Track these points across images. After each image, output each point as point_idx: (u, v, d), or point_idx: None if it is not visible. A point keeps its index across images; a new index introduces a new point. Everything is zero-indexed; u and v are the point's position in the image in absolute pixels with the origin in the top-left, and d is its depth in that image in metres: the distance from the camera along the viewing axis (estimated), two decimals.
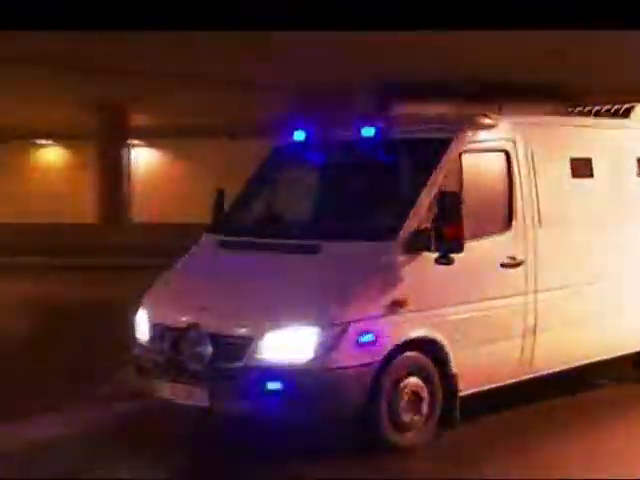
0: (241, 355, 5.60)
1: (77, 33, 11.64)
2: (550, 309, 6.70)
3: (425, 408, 5.85)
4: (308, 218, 7.07)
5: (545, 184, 6.78)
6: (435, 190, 5.95)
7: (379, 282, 5.80)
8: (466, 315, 6.13)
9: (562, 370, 7.07)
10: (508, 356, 6.51)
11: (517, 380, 6.69)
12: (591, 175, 7.19)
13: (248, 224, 7.04)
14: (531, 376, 6.82)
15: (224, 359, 5.68)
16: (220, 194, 7.09)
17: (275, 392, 5.46)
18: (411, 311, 5.78)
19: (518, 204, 6.53)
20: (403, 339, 5.74)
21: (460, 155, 6.25)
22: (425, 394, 5.86)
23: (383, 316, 5.66)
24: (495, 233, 6.42)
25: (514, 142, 6.63)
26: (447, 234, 5.71)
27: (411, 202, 5.97)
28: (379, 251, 5.86)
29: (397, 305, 5.72)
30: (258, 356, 5.58)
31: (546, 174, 6.80)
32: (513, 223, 6.51)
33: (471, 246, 5.98)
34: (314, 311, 5.63)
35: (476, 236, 6.15)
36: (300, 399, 5.48)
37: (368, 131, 6.53)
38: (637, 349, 7.60)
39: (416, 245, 5.83)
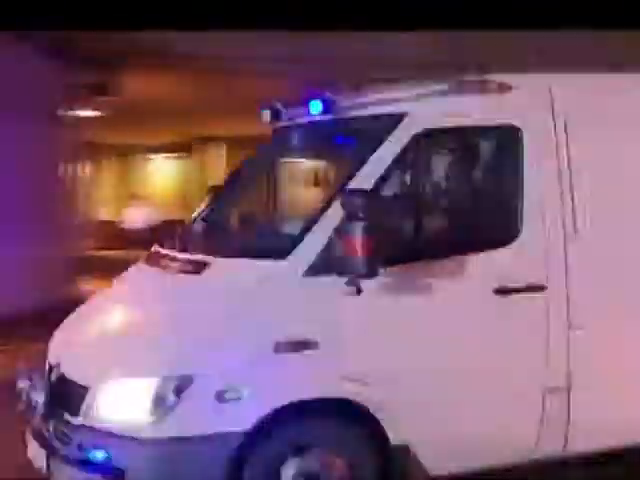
0: (78, 409, 3.98)
1: None
2: (590, 355, 4.55)
3: None
4: (210, 225, 5.25)
5: (589, 176, 4.59)
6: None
7: (259, 316, 3.95)
8: (423, 366, 4.18)
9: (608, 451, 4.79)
10: (520, 426, 4.46)
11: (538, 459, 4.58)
12: None
13: (181, 232, 5.43)
14: (562, 455, 4.68)
15: (65, 411, 4.08)
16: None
17: (101, 465, 3.80)
18: (314, 357, 3.93)
19: (532, 205, 4.46)
20: (294, 398, 3.89)
21: (418, 138, 4.31)
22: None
23: (263, 364, 3.86)
24: (487, 248, 4.39)
25: (527, 114, 4.54)
26: (347, 251, 3.85)
27: (325, 207, 4.20)
28: (269, 273, 4.05)
29: (289, 349, 3.89)
30: (93, 413, 3.94)
31: (590, 161, 4.64)
32: (522, 233, 4.44)
33: (435, 266, 4.22)
34: (155, 356, 3.93)
35: (451, 252, 4.31)
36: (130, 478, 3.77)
37: (315, 106, 4.65)
38: None
39: (324, 267, 3.99)
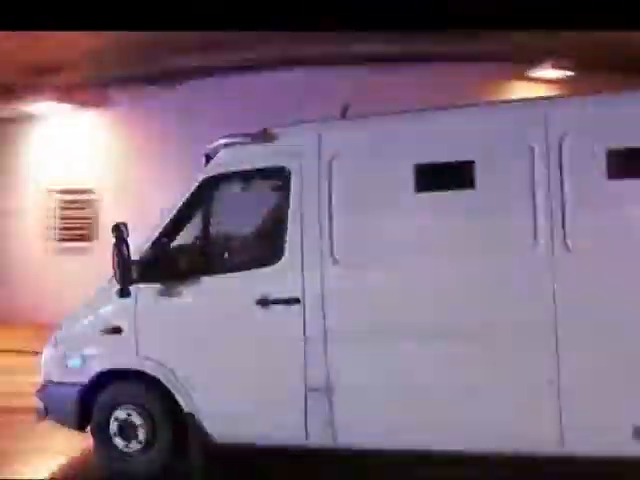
0: None
1: None
2: (349, 361, 5.32)
3: (142, 438, 5.80)
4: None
5: (350, 207, 5.36)
6: (167, 221, 5.70)
7: (95, 312, 5.94)
8: (203, 352, 5.60)
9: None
10: (288, 416, 5.44)
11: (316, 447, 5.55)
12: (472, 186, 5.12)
13: None
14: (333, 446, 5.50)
15: None
16: None
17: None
18: (121, 339, 5.76)
19: (294, 233, 5.38)
20: (109, 366, 5.86)
21: (208, 181, 5.70)
22: (139, 425, 5.80)
23: (94, 342, 5.89)
24: (255, 267, 5.55)
25: (296, 157, 5.45)
26: (113, 269, 5.58)
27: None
28: (105, 287, 5.90)
29: (107, 332, 5.81)
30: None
31: (352, 194, 5.35)
32: (285, 255, 5.40)
33: (207, 280, 5.61)
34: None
35: (225, 271, 5.68)
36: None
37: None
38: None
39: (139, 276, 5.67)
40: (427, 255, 5.12)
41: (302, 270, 5.34)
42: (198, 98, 12.11)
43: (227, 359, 5.51)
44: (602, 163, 4.84)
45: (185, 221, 5.74)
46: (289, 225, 5.40)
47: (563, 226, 4.85)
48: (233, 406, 5.53)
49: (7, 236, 13.87)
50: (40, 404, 6.02)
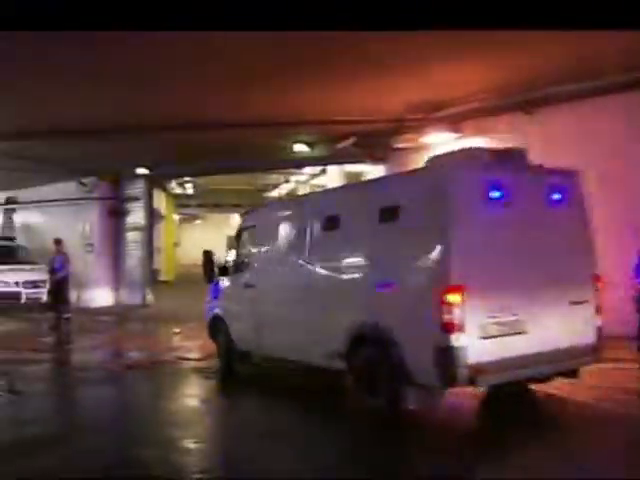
0: None
1: None
2: None
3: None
4: None
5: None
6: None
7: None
8: (232, 305, 11.89)
9: None
10: (254, 335, 11.07)
11: None
12: None
13: None
14: None
15: None
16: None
17: None
18: (219, 302, 12.27)
19: (254, 256, 11.45)
20: (215, 312, 12.49)
21: None
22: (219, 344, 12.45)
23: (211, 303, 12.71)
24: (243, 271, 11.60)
25: None
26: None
27: None
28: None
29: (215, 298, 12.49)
30: None
31: None
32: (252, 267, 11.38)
33: (234, 276, 11.92)
34: None
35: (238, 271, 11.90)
36: None
37: None
38: None
39: None
40: (288, 261, 10.18)
41: (256, 273, 11.01)
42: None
43: (236, 308, 11.57)
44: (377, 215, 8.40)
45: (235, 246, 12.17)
46: (253, 250, 11.35)
47: (310, 246, 9.70)
48: (239, 330, 11.44)
49: None
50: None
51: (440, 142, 14.62)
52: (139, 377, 12.23)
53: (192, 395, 10.88)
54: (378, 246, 8.34)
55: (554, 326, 7.80)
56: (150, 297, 23.60)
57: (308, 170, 26.07)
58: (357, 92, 12.68)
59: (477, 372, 7.21)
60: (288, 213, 10.48)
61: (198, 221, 56.93)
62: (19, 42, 8.72)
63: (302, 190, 28.91)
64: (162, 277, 32.03)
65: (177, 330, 17.44)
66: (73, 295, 19.40)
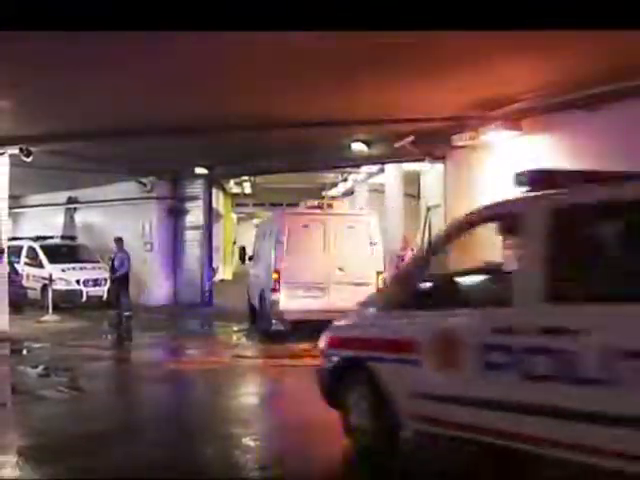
0: None
1: None
2: None
3: None
4: None
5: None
6: None
7: None
8: None
9: None
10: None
11: None
12: None
13: None
14: None
15: None
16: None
17: None
18: None
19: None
20: None
21: None
22: None
23: None
24: None
25: None
26: None
27: None
28: None
29: None
30: None
31: None
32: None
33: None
34: None
35: None
36: None
37: None
38: None
39: None
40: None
41: None
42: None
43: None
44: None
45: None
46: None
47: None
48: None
49: None
50: None
51: (500, 140, 14.44)
52: (198, 374, 12.33)
53: (251, 393, 10.93)
54: None
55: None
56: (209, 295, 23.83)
57: (365, 169, 25.98)
58: (421, 91, 12.59)
59: (284, 312, 14.86)
60: None
61: (255, 220, 57.22)
62: (83, 43, 8.82)
63: (359, 189, 28.85)
64: (221, 275, 32.30)
65: (236, 328, 17.60)
66: (133, 293, 19.67)
